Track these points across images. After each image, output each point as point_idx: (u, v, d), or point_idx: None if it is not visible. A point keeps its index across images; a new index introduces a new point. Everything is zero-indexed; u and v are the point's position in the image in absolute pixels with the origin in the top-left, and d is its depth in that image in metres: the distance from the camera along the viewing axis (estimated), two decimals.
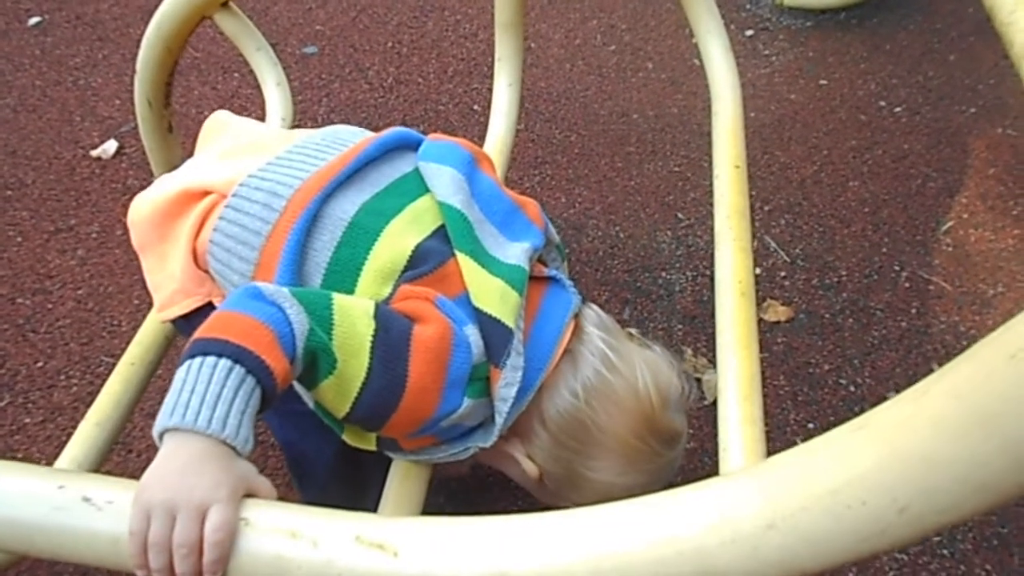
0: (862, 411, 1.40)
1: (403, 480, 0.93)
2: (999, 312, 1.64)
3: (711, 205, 1.90)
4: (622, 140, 2.00)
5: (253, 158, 0.97)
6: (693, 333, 1.58)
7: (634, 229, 1.78)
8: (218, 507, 0.61)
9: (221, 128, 1.10)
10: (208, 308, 0.96)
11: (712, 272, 1.73)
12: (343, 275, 0.87)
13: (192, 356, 0.67)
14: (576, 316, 0.94)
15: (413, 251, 0.87)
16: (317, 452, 1.09)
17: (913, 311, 1.64)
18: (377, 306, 0.80)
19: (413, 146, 1.00)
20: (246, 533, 0.62)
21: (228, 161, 0.99)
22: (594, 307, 0.97)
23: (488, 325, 0.83)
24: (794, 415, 1.47)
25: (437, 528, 0.62)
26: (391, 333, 0.78)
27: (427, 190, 0.94)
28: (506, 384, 0.83)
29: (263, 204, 0.89)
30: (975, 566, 1.30)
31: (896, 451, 0.42)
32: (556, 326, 0.90)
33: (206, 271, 0.95)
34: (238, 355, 0.67)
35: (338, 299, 0.77)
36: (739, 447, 0.83)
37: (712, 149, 1.20)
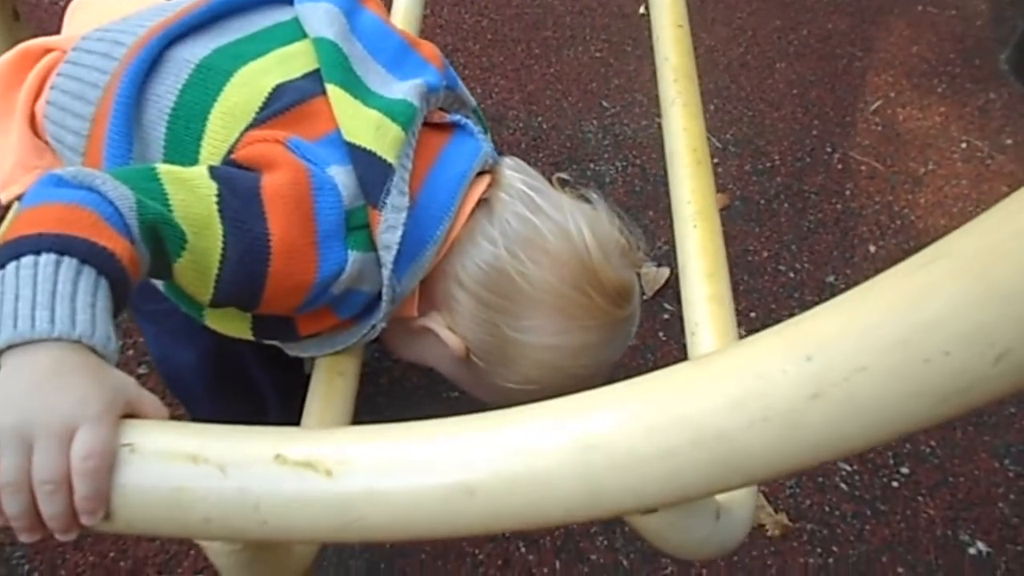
0: (802, 297, 1.34)
1: (326, 385, 0.80)
2: (931, 190, 1.61)
3: (636, 92, 1.80)
4: (538, 25, 1.85)
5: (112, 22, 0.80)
6: (628, 225, 1.48)
7: (557, 119, 1.65)
8: (88, 427, 0.47)
9: (88, 6, 0.91)
10: None
11: (643, 162, 1.64)
12: (188, 121, 0.73)
13: (1, 265, 0.52)
14: (490, 168, 0.81)
15: (272, 91, 0.73)
16: (191, 361, 0.93)
17: (847, 193, 1.59)
18: (211, 167, 0.66)
19: None
20: (132, 461, 0.48)
21: (83, 27, 0.82)
22: (513, 157, 0.84)
23: (362, 161, 0.70)
24: (735, 304, 1.40)
25: (377, 437, 0.50)
26: (236, 189, 0.65)
27: (305, 37, 0.79)
28: (388, 227, 0.69)
29: (102, 55, 0.76)
30: (919, 443, 1.29)
31: (991, 284, 0.32)
32: (459, 171, 0.77)
33: (46, 140, 0.80)
34: (61, 245, 0.52)
35: (163, 168, 0.63)
36: (708, 328, 0.74)
37: (650, 8, 1.08)
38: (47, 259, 0.51)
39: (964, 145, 1.69)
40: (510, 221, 0.74)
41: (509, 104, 1.66)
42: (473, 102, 0.89)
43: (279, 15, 0.83)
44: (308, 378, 1.05)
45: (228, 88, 0.74)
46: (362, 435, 0.50)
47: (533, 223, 0.74)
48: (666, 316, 1.38)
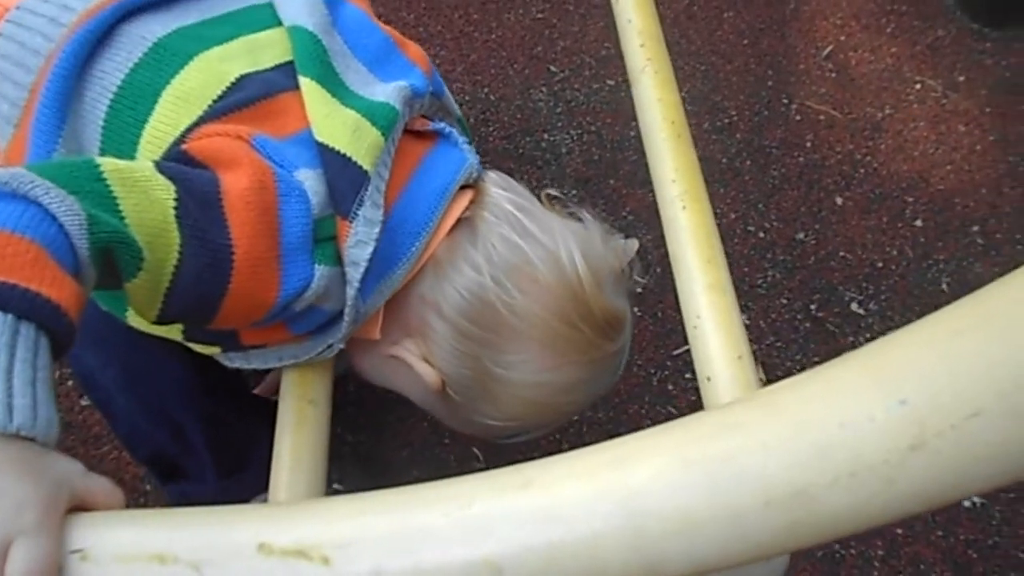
0: (774, 257, 1.29)
1: (296, 416, 0.72)
2: (890, 135, 1.57)
3: (584, 54, 1.72)
4: None
5: None
6: (590, 198, 1.42)
7: (505, 89, 1.57)
8: (25, 540, 0.39)
9: None
10: None
11: (598, 128, 1.56)
12: (135, 102, 0.65)
13: None
14: (474, 181, 0.73)
15: (235, 80, 0.65)
16: (103, 365, 0.81)
17: (808, 144, 1.55)
18: (159, 163, 0.57)
19: None
20: (84, 571, 0.40)
21: None
22: (499, 172, 0.77)
23: (334, 165, 0.62)
24: None
25: (376, 508, 0.43)
26: (194, 192, 0.56)
27: (280, 24, 0.70)
28: (357, 242, 0.62)
29: (49, 18, 0.67)
30: None
31: None
32: (442, 183, 0.70)
33: None
34: None
35: (107, 165, 0.53)
36: (711, 320, 0.68)
37: None
38: None
39: (918, 86, 1.66)
40: (496, 246, 0.67)
41: (452, 76, 1.57)
42: (458, 112, 0.81)
43: None
44: (249, 400, 0.95)
45: (185, 71, 0.65)
46: (358, 507, 0.43)
47: (521, 249, 0.67)
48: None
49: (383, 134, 0.65)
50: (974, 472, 0.30)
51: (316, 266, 0.61)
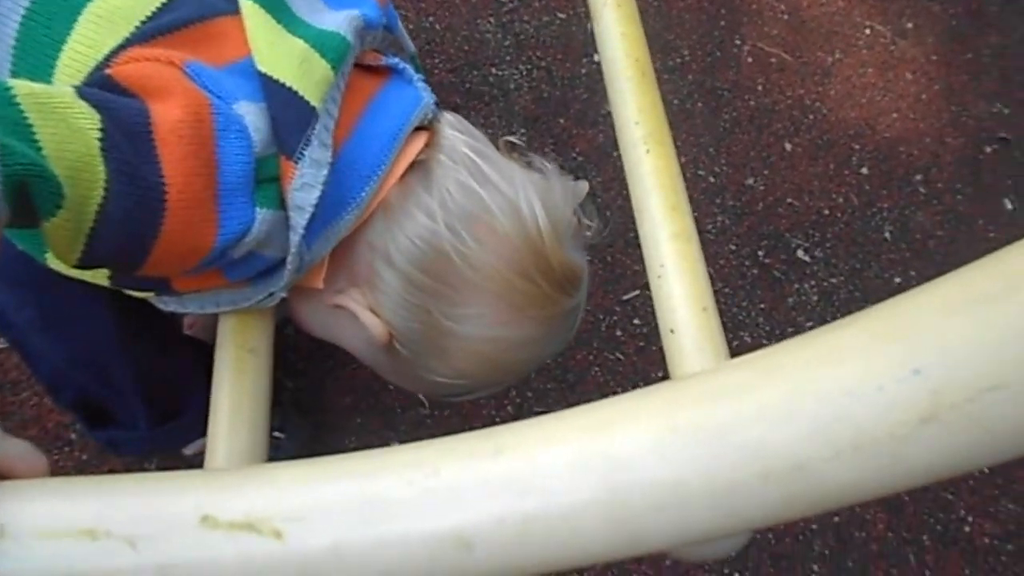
0: (724, 202, 1.27)
1: (236, 366, 0.68)
2: (839, 80, 1.56)
3: None
4: None
5: None
6: (539, 137, 1.37)
7: (451, 19, 1.49)
8: None
9: None
10: None
11: (548, 63, 1.51)
12: (51, 19, 0.58)
13: None
14: (429, 122, 0.69)
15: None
16: (20, 303, 0.74)
17: (759, 88, 1.53)
18: (80, 89, 0.50)
19: None
20: (3, 550, 0.36)
21: None
22: (455, 114, 0.72)
23: (279, 99, 0.56)
24: None
25: (332, 475, 0.39)
26: (122, 122, 0.50)
27: None
28: (303, 185, 0.57)
29: None
30: None
31: None
32: (395, 123, 0.64)
33: None
34: None
35: (21, 88, 0.46)
36: (676, 269, 0.65)
37: None
38: None
39: (868, 31, 1.65)
40: (451, 191, 0.62)
41: (395, 3, 1.49)
42: (412, 48, 0.75)
43: None
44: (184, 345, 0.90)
45: None
46: (313, 474, 0.39)
47: (479, 195, 0.62)
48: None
49: (333, 67, 0.59)
50: (989, 447, 0.28)
51: (257, 209, 0.56)
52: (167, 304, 0.69)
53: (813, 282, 1.32)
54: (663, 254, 0.66)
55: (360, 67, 0.66)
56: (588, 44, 1.50)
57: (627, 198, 1.32)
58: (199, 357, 0.86)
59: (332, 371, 1.11)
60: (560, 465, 0.35)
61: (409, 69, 0.70)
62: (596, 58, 1.49)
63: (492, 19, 1.50)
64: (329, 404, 1.09)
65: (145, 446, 0.94)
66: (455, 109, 1.40)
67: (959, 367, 0.28)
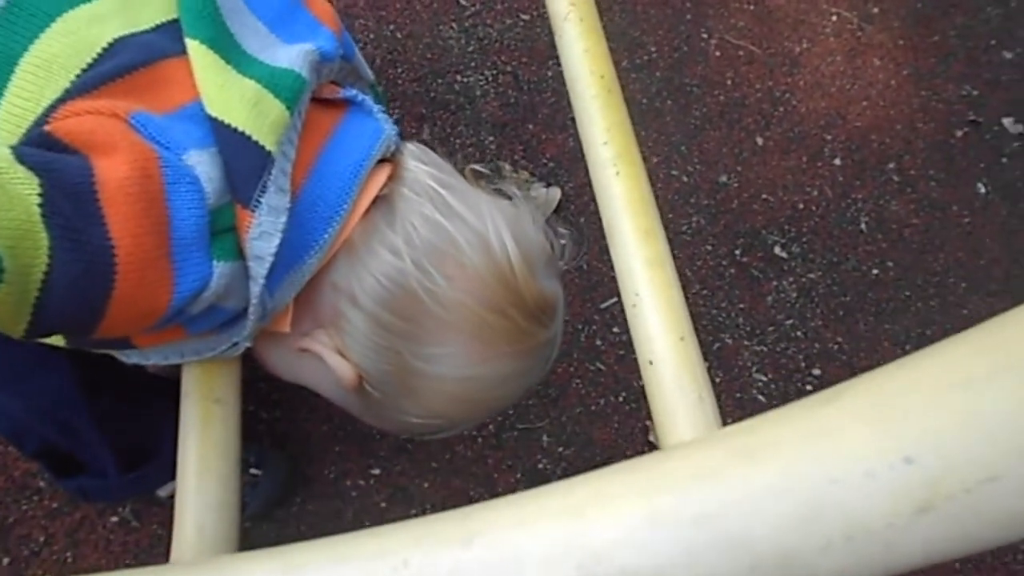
0: (698, 202, 1.25)
1: (202, 418, 0.65)
2: (808, 71, 1.55)
3: None
4: None
5: None
6: (508, 144, 1.35)
7: (412, 26, 1.46)
8: None
9: None
10: None
11: (514, 67, 1.48)
12: None
13: None
14: (392, 154, 0.66)
15: (108, 45, 0.56)
16: None
17: (728, 82, 1.51)
18: (17, 149, 0.47)
19: None
20: None
21: None
22: (417, 144, 0.70)
23: (231, 145, 0.54)
24: None
25: (297, 566, 0.37)
26: (64, 184, 0.47)
27: None
28: (261, 234, 0.54)
29: None
30: (827, 340, 1.27)
31: None
32: (356, 160, 0.61)
33: None
34: None
35: None
36: (651, 298, 0.63)
37: None
38: None
39: (834, 18, 1.63)
40: (417, 226, 0.60)
41: (354, 12, 1.45)
42: (371, 76, 0.72)
43: None
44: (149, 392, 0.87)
45: (47, 35, 0.55)
46: (274, 566, 0.37)
47: (446, 230, 0.60)
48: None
49: (288, 107, 0.57)
50: (987, 535, 0.27)
51: (214, 263, 0.53)
52: (128, 357, 0.67)
53: (791, 278, 1.31)
54: (637, 282, 0.64)
55: (317, 101, 0.63)
56: (553, 47, 1.47)
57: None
58: (166, 397, 0.84)
59: (307, 399, 1.08)
60: (535, 555, 0.33)
61: (368, 100, 0.67)
62: None
63: (455, 24, 1.47)
64: (306, 433, 1.06)
65: (116, 493, 0.91)
66: (421, 119, 1.38)
67: (953, 457, 0.26)
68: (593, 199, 1.31)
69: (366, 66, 0.74)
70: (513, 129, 1.37)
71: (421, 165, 0.65)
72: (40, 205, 0.45)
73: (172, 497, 0.95)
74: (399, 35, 1.43)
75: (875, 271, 1.35)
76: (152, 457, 0.86)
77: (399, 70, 1.40)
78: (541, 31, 1.49)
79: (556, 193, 1.30)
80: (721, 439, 0.33)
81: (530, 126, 1.38)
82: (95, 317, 0.51)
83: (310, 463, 1.04)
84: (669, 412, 0.59)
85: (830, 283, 1.32)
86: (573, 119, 1.42)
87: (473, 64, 1.43)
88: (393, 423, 0.69)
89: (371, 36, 1.43)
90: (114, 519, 0.97)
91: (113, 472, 0.84)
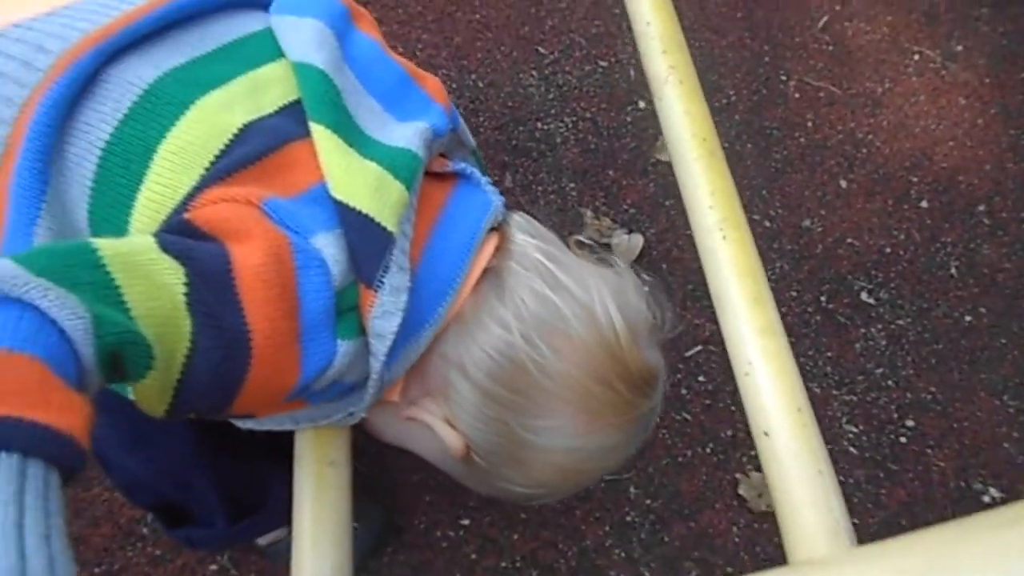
0: (782, 247, 1.24)
1: (316, 480, 0.67)
2: (891, 111, 1.53)
3: (573, 33, 1.64)
4: None
5: (35, 6, 0.64)
6: (588, 191, 1.36)
7: (493, 75, 1.49)
8: None
9: None
10: None
11: (593, 114, 1.50)
12: (128, 159, 0.57)
13: None
14: (499, 225, 0.67)
15: (240, 130, 0.58)
16: (105, 421, 0.76)
17: (809, 124, 1.50)
18: (160, 237, 0.50)
19: (263, 3, 0.68)
20: None
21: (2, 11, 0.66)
22: (523, 214, 0.71)
23: (355, 226, 0.56)
24: None
25: None
26: (204, 271, 0.49)
27: (281, 55, 0.63)
28: (383, 313, 0.56)
29: (22, 61, 0.60)
30: (919, 390, 1.24)
31: None
32: (467, 234, 0.63)
33: None
34: None
35: (105, 247, 0.46)
36: (764, 368, 0.63)
37: None
38: None
39: (916, 56, 1.61)
40: (526, 300, 0.61)
41: (437, 62, 1.49)
42: (473, 143, 0.73)
43: (248, 23, 0.66)
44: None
45: (182, 123, 0.58)
46: None
47: (553, 303, 0.61)
48: None
49: (407, 187, 0.59)
50: None
51: (339, 342, 0.55)
52: (244, 423, 0.69)
53: (880, 325, 1.29)
54: (749, 351, 0.64)
55: (428, 175, 0.65)
56: (632, 91, 1.49)
57: (683, 248, 1.30)
58: (275, 449, 0.86)
59: (399, 450, 1.10)
60: None
61: (476, 173, 0.69)
62: (641, 105, 1.48)
63: (535, 72, 1.49)
64: (396, 483, 1.07)
65: (223, 543, 0.93)
66: (503, 166, 1.40)
67: None
68: (675, 244, 1.31)
69: (469, 134, 0.76)
70: (594, 175, 1.38)
71: (529, 238, 0.66)
72: (185, 294, 0.48)
73: (272, 545, 0.98)
74: (480, 84, 1.46)
75: (968, 318, 1.31)
76: (259, 508, 0.88)
77: (481, 118, 1.43)
78: (619, 77, 1.51)
79: (639, 240, 1.30)
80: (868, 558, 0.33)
81: (610, 172, 1.39)
82: (229, 398, 0.53)
83: (401, 513, 1.06)
84: (787, 489, 0.58)
85: (920, 330, 1.29)
86: (653, 164, 1.44)
87: (553, 111, 1.45)
88: (495, 490, 0.69)
89: (453, 86, 1.46)
90: (213, 567, 1.00)
91: (221, 523, 0.87)
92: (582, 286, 0.63)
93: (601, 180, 1.38)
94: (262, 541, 0.97)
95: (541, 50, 1.53)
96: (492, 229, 0.67)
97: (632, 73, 1.51)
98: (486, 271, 0.64)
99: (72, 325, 0.41)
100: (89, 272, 0.45)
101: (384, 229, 0.56)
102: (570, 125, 1.43)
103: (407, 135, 0.62)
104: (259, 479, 0.86)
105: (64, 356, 0.40)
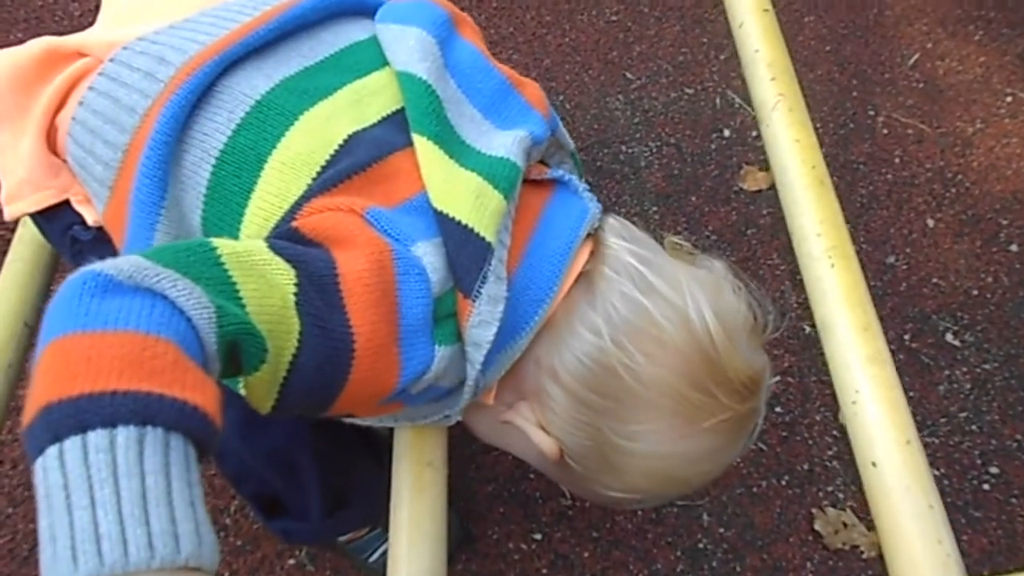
0: (865, 280, 1.22)
1: (415, 481, 0.68)
2: (982, 152, 1.50)
3: (660, 59, 1.66)
4: None
5: (157, 20, 0.68)
6: (671, 215, 1.36)
7: (580, 97, 1.51)
8: None
9: None
10: (67, 209, 0.70)
11: (677, 140, 1.51)
12: (239, 169, 0.60)
13: (51, 441, 0.37)
14: (595, 231, 0.68)
15: (345, 140, 0.60)
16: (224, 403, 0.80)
17: (896, 160, 1.48)
18: (271, 241, 0.53)
19: (371, 11, 0.69)
20: None
21: (123, 24, 0.71)
22: (618, 217, 0.71)
23: (455, 236, 0.57)
24: (795, 298, 1.30)
25: None
26: (312, 275, 0.51)
27: (385, 64, 0.64)
28: (480, 322, 0.57)
29: (145, 73, 0.63)
30: (1005, 437, 1.21)
31: None
32: (564, 242, 0.63)
33: (64, 158, 0.69)
34: (141, 409, 0.38)
35: (224, 247, 0.49)
36: (872, 398, 0.63)
37: None
38: (126, 436, 0.37)
39: (1009, 99, 1.58)
40: (616, 305, 0.60)
41: None
42: (571, 145, 0.74)
43: (355, 32, 0.68)
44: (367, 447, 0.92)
45: (291, 133, 0.60)
46: None
47: (644, 307, 0.60)
48: None
49: (505, 197, 0.60)
50: None
51: (436, 347, 0.57)
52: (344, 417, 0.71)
53: (965, 368, 1.26)
54: (857, 380, 0.64)
55: (526, 182, 0.66)
56: (717, 119, 1.49)
57: (763, 278, 1.29)
58: (373, 443, 0.88)
59: (473, 457, 1.11)
60: None
61: (574, 179, 0.69)
62: (726, 133, 1.48)
63: (621, 96, 1.51)
64: (471, 492, 1.08)
65: (314, 536, 0.96)
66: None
67: None
68: (755, 274, 1.31)
69: (567, 136, 0.76)
70: (676, 200, 1.39)
71: (622, 242, 0.65)
72: (295, 294, 0.50)
73: (350, 543, 0.99)
74: (568, 105, 1.48)
75: None
76: (351, 503, 0.90)
77: None
78: (704, 104, 1.51)
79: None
80: None
81: (693, 198, 1.39)
82: (331, 397, 0.55)
83: (474, 522, 1.06)
84: (896, 523, 0.57)
85: (1007, 376, 1.25)
86: (736, 192, 1.44)
87: (638, 135, 1.46)
88: (592, 494, 0.70)
89: None
90: (291, 561, 1.02)
91: (315, 515, 0.89)
92: (675, 288, 0.62)
93: (683, 206, 1.38)
94: (342, 538, 0.99)
95: (628, 75, 1.54)
96: (588, 235, 0.67)
97: (718, 101, 1.52)
98: (579, 276, 0.64)
99: (199, 314, 0.43)
100: (209, 268, 0.47)
101: (483, 239, 0.57)
102: (654, 150, 1.44)
103: (507, 144, 0.63)
104: (355, 472, 0.88)
105: (192, 342, 0.42)
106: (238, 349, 0.47)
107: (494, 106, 0.69)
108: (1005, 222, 1.42)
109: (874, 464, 0.60)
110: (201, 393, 0.41)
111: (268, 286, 0.49)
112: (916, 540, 0.56)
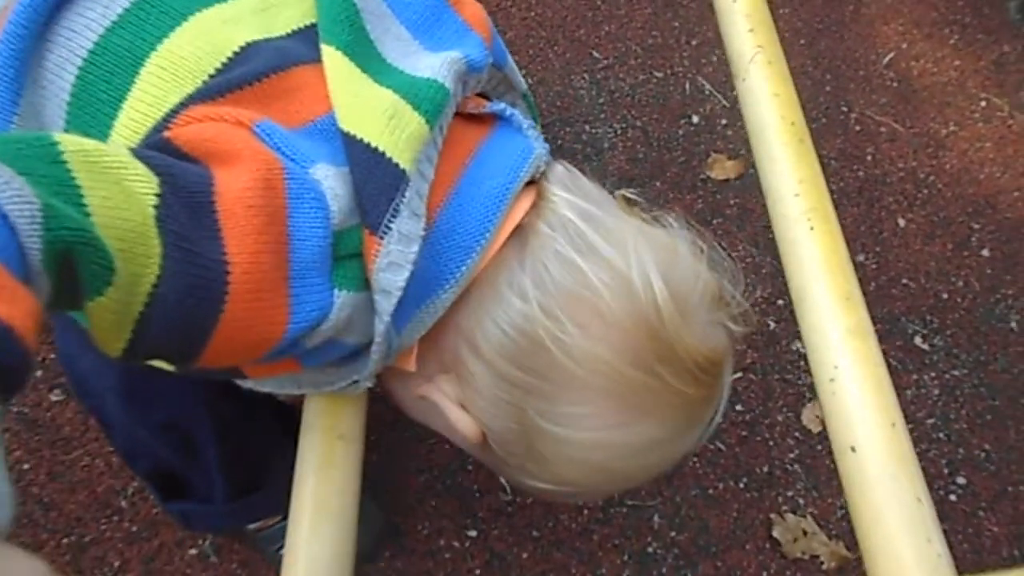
0: None
1: (326, 454, 0.58)
2: (955, 154, 1.45)
3: (630, 40, 1.58)
4: None
5: None
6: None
7: (544, 73, 1.42)
8: None
9: None
10: None
11: (643, 123, 1.43)
12: (111, 71, 0.51)
13: None
14: (538, 176, 0.58)
15: (240, 49, 0.51)
16: (96, 366, 0.68)
17: (868, 158, 1.42)
18: (135, 150, 0.43)
19: None
20: None
21: None
22: (566, 164, 0.60)
23: (363, 162, 0.48)
24: (760, 293, 1.22)
25: None
26: (181, 189, 0.42)
27: None
28: (389, 264, 0.48)
29: None
30: (973, 446, 1.14)
31: None
32: (500, 183, 0.54)
33: None
34: None
35: (69, 142, 0.39)
36: (853, 375, 0.55)
37: None
38: None
39: (983, 103, 1.54)
40: (549, 267, 0.51)
41: None
42: (523, 86, 0.65)
43: None
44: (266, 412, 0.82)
45: (176, 35, 0.50)
46: None
47: (580, 269, 0.51)
48: None
49: (428, 121, 0.50)
50: None
51: (335, 291, 0.47)
52: (244, 382, 0.61)
53: (933, 373, 1.20)
54: (836, 355, 0.56)
55: (461, 116, 0.57)
56: (686, 105, 1.42)
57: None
58: (285, 423, 0.78)
59: (407, 445, 1.01)
60: None
61: (517, 115, 0.60)
62: (695, 119, 1.41)
63: (586, 75, 1.43)
64: (402, 482, 0.98)
65: (219, 521, 0.84)
66: None
67: None
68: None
69: (518, 74, 0.67)
70: (639, 185, 1.31)
71: (564, 193, 0.56)
72: (156, 207, 0.40)
73: (260, 531, 0.88)
74: (530, 80, 1.40)
75: None
76: (260, 487, 0.80)
77: None
78: (674, 89, 1.44)
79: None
80: None
81: (657, 183, 1.32)
82: (199, 341, 0.44)
83: (403, 516, 0.96)
84: (878, 516, 0.49)
85: (976, 383, 1.19)
86: (703, 180, 1.36)
87: (603, 116, 1.38)
88: (524, 486, 0.61)
89: None
90: (193, 551, 0.91)
91: (220, 498, 0.78)
92: (619, 249, 0.52)
93: (647, 191, 1.30)
94: (252, 526, 0.88)
95: (595, 54, 1.47)
96: (532, 182, 0.58)
97: (687, 87, 1.45)
98: (515, 230, 0.55)
99: (17, 210, 0.33)
100: (46, 166, 0.37)
101: (396, 165, 0.48)
102: (619, 132, 1.36)
103: (434, 65, 0.54)
104: (263, 450, 0.78)
105: (6, 245, 0.32)
106: (73, 263, 0.36)
107: (425, 25, 0.59)
108: (977, 226, 1.37)
109: (853, 449, 0.52)
110: (9, 302, 0.31)
111: (123, 194, 0.39)
112: (902, 537, 0.48)
